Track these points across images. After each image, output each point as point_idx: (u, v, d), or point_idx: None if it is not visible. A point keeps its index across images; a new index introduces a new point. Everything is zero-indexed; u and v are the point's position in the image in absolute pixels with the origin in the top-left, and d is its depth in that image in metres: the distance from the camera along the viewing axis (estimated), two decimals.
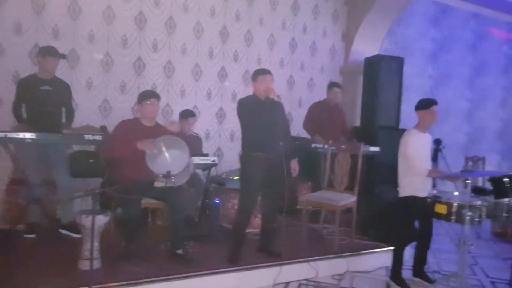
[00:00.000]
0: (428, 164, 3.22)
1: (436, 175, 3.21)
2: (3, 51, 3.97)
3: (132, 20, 4.55)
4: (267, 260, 3.11)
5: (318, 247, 3.52)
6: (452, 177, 3.32)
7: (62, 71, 3.93)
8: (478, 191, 4.56)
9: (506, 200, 4.34)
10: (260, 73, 3.16)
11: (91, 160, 3.64)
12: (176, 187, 2.88)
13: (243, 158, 3.18)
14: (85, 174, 3.56)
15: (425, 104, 3.19)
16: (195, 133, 4.46)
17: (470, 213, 2.55)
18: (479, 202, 2.70)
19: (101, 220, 2.75)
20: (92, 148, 3.68)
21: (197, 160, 3.52)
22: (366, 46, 5.77)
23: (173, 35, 4.79)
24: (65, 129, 3.30)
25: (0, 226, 3.47)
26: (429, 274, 3.29)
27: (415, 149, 3.10)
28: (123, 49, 4.52)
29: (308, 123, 4.65)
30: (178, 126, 4.17)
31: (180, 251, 3.00)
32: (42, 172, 3.35)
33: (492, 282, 3.38)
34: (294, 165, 3.18)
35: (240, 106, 3.14)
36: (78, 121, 3.97)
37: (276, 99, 3.04)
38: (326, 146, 4.06)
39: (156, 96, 3.17)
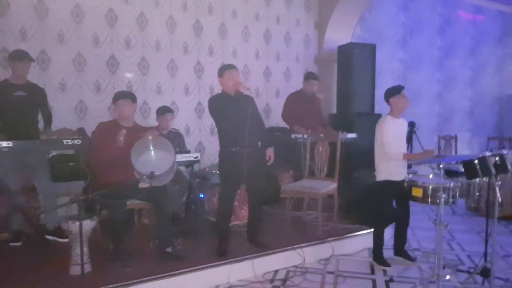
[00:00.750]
0: (403, 149, 3.33)
1: (410, 158, 3.35)
2: None
3: (102, 17, 4.45)
4: (255, 250, 3.19)
5: (303, 234, 3.63)
6: (426, 162, 3.47)
7: (33, 74, 3.79)
8: (451, 173, 4.77)
9: (477, 180, 4.58)
10: (226, 68, 3.18)
11: (71, 163, 3.59)
12: (160, 186, 2.89)
13: (221, 153, 3.24)
14: (66, 178, 3.51)
15: (394, 91, 3.28)
16: (175, 129, 4.42)
17: (444, 195, 2.68)
18: (452, 184, 2.84)
19: (88, 225, 2.74)
20: (71, 151, 3.62)
21: (180, 157, 3.53)
22: (339, 34, 5.86)
23: (146, 31, 4.72)
24: (44, 134, 3.23)
25: None
26: (409, 253, 3.44)
27: (390, 135, 3.20)
28: (95, 47, 4.42)
29: (286, 114, 4.70)
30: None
31: (169, 249, 3.04)
32: (22, 179, 3.29)
33: (468, 256, 3.58)
34: (270, 152, 3.25)
35: (211, 105, 3.17)
36: (54, 124, 3.84)
37: (246, 92, 3.08)
38: (305, 135, 4.15)
39: (128, 96, 3.14)
